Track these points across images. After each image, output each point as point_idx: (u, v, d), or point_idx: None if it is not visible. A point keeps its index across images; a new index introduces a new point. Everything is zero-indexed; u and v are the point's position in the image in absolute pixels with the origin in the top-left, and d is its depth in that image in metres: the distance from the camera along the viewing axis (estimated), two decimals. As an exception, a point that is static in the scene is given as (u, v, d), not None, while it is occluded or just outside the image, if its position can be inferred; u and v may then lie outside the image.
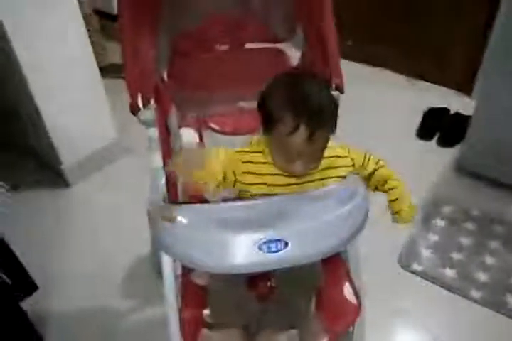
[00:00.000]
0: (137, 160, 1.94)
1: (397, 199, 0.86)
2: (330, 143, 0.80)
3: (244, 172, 0.81)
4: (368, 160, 0.87)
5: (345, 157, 0.86)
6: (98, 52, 1.76)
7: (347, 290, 0.91)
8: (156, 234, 0.79)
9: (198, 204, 0.83)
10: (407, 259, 1.50)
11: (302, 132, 0.72)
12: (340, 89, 0.93)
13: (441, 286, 1.43)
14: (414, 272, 1.47)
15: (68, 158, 1.83)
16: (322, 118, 0.73)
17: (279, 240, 0.69)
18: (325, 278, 0.92)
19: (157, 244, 0.83)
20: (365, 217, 0.78)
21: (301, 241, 0.71)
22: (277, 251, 0.69)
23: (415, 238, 1.57)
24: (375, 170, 0.87)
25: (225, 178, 0.80)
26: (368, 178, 0.88)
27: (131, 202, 1.65)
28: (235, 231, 0.71)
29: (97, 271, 1.51)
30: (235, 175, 0.80)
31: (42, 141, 1.80)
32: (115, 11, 2.79)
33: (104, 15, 2.56)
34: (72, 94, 1.71)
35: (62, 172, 1.85)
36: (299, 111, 0.71)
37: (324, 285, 0.92)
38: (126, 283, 1.48)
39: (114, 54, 2.47)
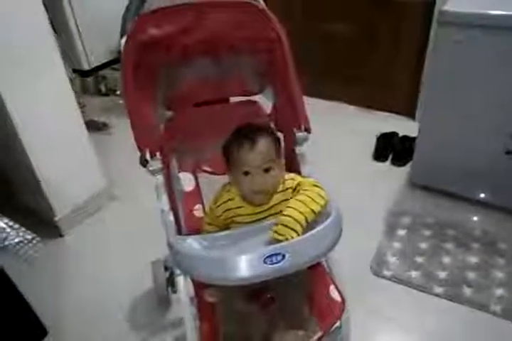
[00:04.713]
0: (123, 206, 2.11)
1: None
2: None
3: (224, 211, 1.10)
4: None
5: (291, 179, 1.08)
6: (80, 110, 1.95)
7: (332, 291, 1.12)
8: (183, 259, 0.97)
9: (214, 234, 1.05)
10: (377, 267, 1.74)
11: (246, 146, 1.01)
12: (308, 130, 1.18)
13: (409, 286, 1.66)
14: (384, 277, 1.70)
15: (61, 209, 1.92)
16: (257, 135, 1.02)
17: (278, 254, 0.90)
18: (313, 285, 1.13)
19: (182, 269, 1.01)
20: (339, 232, 0.98)
21: (294, 253, 0.91)
22: (278, 262, 0.90)
23: (382, 248, 1.81)
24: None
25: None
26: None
27: (122, 244, 1.84)
28: (245, 251, 0.90)
29: (95, 315, 1.60)
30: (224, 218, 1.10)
31: (34, 195, 1.88)
32: (86, 67, 2.96)
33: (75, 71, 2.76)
34: (62, 149, 1.85)
35: (56, 224, 1.92)
36: (240, 134, 1.05)
37: (313, 290, 1.13)
38: (128, 319, 1.60)
39: (91, 110, 2.72)
